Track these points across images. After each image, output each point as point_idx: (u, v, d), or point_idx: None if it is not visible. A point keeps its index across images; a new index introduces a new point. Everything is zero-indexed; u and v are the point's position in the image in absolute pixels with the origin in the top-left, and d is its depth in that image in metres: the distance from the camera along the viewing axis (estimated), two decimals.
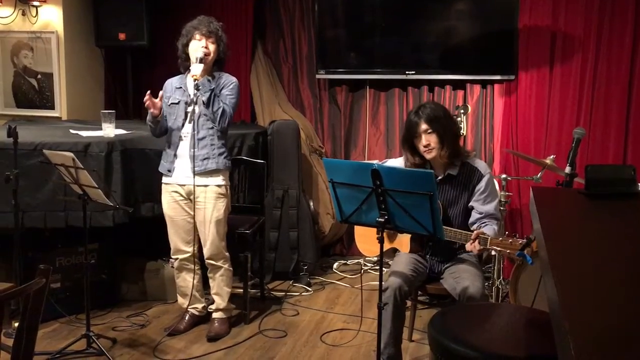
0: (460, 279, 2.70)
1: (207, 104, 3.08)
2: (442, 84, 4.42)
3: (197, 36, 3.15)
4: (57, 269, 3.44)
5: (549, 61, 4.10)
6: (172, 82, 3.32)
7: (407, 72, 4.35)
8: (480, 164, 2.84)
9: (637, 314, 1.00)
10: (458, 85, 4.40)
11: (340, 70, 4.57)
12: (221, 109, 3.10)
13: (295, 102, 4.83)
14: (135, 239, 3.84)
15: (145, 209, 3.54)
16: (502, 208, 3.57)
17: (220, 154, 3.19)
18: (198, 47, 3.13)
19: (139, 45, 4.57)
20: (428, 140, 2.76)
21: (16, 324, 3.09)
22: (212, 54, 3.15)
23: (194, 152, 3.11)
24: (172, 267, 3.40)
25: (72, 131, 3.74)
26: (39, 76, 4.61)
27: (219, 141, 3.19)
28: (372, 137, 4.65)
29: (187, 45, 3.18)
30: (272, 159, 4.23)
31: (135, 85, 4.84)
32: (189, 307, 3.38)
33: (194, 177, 3.13)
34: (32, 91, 4.65)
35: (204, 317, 3.43)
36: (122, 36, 4.53)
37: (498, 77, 4.25)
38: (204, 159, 3.15)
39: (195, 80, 3.05)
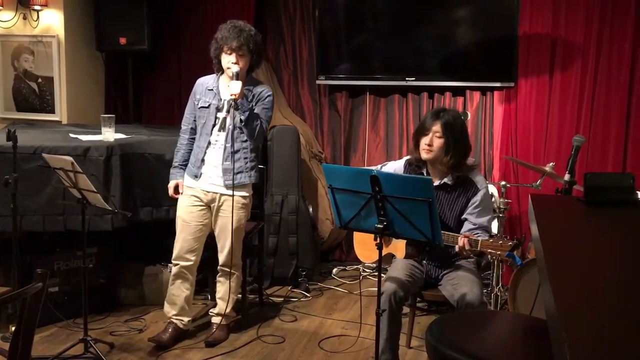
0: (459, 285, 2.70)
1: (246, 123, 3.02)
2: (442, 90, 4.42)
3: (226, 49, 3.03)
4: (55, 273, 3.44)
5: (549, 68, 4.11)
6: (203, 83, 3.21)
7: (407, 79, 4.35)
8: (478, 178, 2.83)
9: (636, 324, 1.00)
10: (458, 91, 4.41)
11: (340, 76, 4.58)
12: (259, 126, 3.04)
13: (295, 108, 4.83)
14: (133, 244, 3.83)
15: (144, 214, 3.53)
16: (500, 215, 3.57)
17: (252, 168, 3.16)
18: (229, 62, 3.03)
19: (139, 49, 4.58)
20: (432, 142, 2.75)
21: (13, 328, 3.08)
22: (242, 67, 3.05)
23: (220, 162, 3.08)
24: (170, 271, 3.37)
25: (71, 135, 3.75)
26: (40, 80, 4.61)
27: (252, 154, 3.16)
28: (372, 142, 4.66)
29: (218, 54, 3.08)
30: (272, 164, 4.23)
31: (136, 89, 4.85)
32: (175, 317, 3.26)
33: (231, 191, 3.08)
34: (32, 95, 4.65)
35: (187, 332, 3.31)
36: (123, 40, 4.53)
37: (498, 84, 4.25)
38: (238, 172, 3.11)
39: (234, 100, 2.96)
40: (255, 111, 3.08)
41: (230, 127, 3.08)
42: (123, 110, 4.85)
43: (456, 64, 4.33)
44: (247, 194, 3.20)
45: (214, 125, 3.12)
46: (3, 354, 1.95)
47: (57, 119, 4.58)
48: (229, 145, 3.09)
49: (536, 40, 4.11)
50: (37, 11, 4.49)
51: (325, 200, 4.54)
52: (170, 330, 3.25)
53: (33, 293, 1.67)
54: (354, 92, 4.66)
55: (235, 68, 3.00)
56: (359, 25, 4.52)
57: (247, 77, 3.16)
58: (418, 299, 3.13)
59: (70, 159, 2.85)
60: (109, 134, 3.54)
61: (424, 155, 2.78)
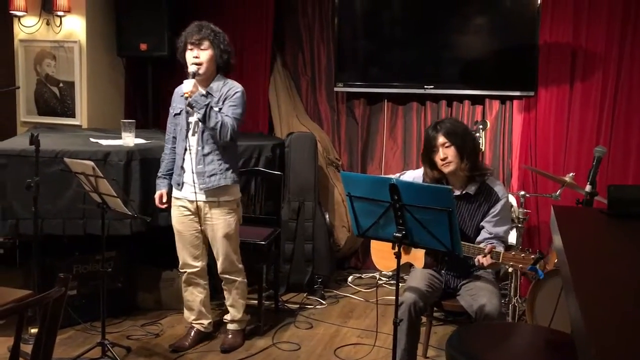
0: (477, 296, 2.67)
1: (204, 121, 2.95)
2: (461, 99, 4.41)
3: (189, 46, 2.99)
4: (74, 276, 3.46)
5: (569, 78, 4.07)
6: (178, 90, 3.17)
7: (425, 87, 4.34)
8: (499, 187, 2.82)
9: None
10: (477, 100, 4.39)
11: (358, 84, 4.58)
12: (220, 123, 2.94)
13: (313, 115, 4.84)
14: (151, 248, 3.85)
15: (162, 219, 3.54)
16: (519, 225, 3.54)
17: (227, 169, 3.08)
18: (189, 58, 2.99)
19: (159, 55, 4.62)
20: (445, 154, 2.74)
21: (32, 330, 3.11)
22: (205, 63, 3.00)
23: (192, 168, 3.02)
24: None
25: (92, 140, 3.78)
26: (61, 84, 4.67)
27: (226, 155, 3.07)
28: (389, 150, 4.65)
29: (183, 54, 3.05)
30: (289, 171, 4.23)
31: (156, 95, 4.89)
32: (195, 322, 3.31)
33: (196, 194, 3.05)
34: (53, 99, 4.71)
35: (210, 334, 3.36)
36: (143, 46, 4.58)
37: (517, 93, 4.22)
38: (211, 175, 3.05)
39: (186, 98, 2.91)
40: (222, 110, 3.02)
41: (201, 129, 3.03)
42: (142, 116, 4.90)
43: (475, 72, 4.31)
44: (231, 198, 3.14)
45: (187, 131, 3.08)
46: (24, 357, 1.96)
47: (77, 123, 4.63)
48: (200, 148, 3.04)
49: (557, 49, 4.08)
50: (60, 17, 4.55)
51: (341, 208, 4.53)
52: (192, 335, 3.29)
53: (55, 297, 1.69)
54: (372, 99, 4.65)
55: (193, 67, 2.97)
56: (378, 33, 4.52)
57: (216, 76, 3.08)
58: (435, 308, 3.11)
59: (92, 163, 2.88)
60: (129, 139, 3.57)
61: (445, 169, 2.77)
